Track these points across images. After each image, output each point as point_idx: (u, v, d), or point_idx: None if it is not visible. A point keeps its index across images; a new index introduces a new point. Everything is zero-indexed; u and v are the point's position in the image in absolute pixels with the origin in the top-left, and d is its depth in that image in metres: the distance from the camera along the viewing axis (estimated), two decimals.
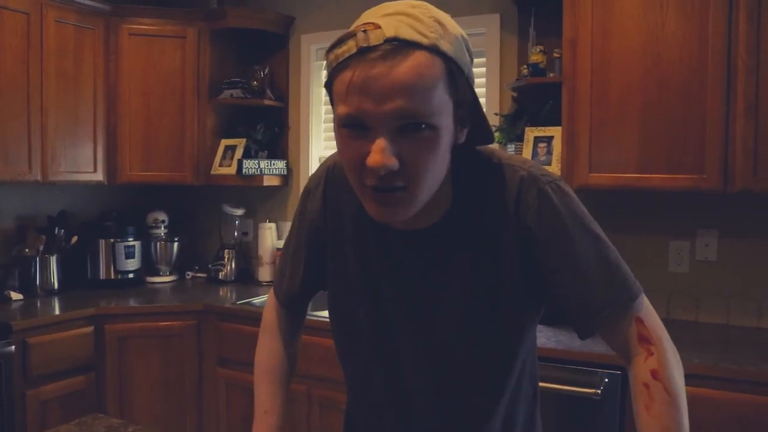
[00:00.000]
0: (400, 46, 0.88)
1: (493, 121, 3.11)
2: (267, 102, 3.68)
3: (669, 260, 2.87)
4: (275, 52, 3.82)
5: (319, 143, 3.78)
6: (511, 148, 2.95)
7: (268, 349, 1.37)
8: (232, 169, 3.62)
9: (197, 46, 3.60)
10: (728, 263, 2.77)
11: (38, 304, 3.14)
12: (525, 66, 2.94)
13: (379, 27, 0.88)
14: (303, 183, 3.74)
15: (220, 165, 3.68)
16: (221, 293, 3.51)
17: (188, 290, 3.62)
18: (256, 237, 3.81)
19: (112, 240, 3.57)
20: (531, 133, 2.87)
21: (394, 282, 1.14)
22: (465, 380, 1.16)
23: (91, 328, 3.04)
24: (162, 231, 3.82)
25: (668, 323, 2.68)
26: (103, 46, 3.45)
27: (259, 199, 3.91)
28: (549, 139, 2.81)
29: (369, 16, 0.93)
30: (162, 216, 3.84)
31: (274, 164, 3.68)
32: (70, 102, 3.30)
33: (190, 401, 3.22)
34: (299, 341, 1.42)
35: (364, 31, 0.88)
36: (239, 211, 3.83)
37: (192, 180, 3.65)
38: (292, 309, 1.38)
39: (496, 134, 3.00)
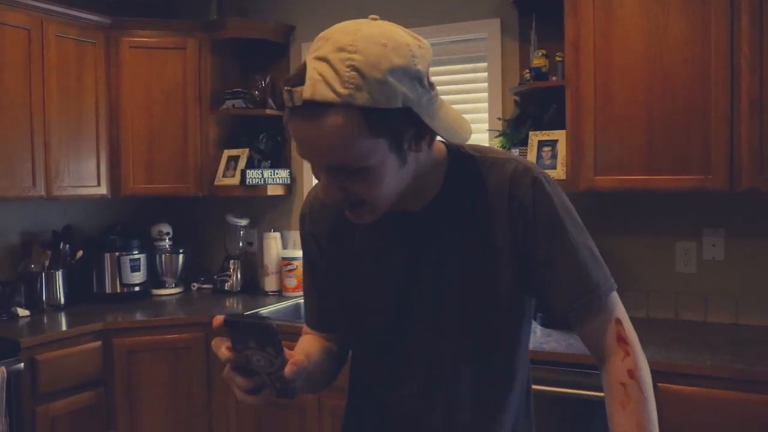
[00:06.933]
0: (315, 108, 0.95)
1: (496, 125, 3.11)
2: (269, 111, 3.68)
3: (676, 261, 2.87)
4: (276, 61, 3.82)
5: None
6: (515, 152, 2.95)
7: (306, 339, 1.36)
8: (235, 180, 3.61)
9: (198, 57, 3.60)
10: (736, 262, 2.77)
11: (45, 320, 3.14)
12: (527, 70, 2.94)
13: (301, 84, 0.96)
14: (307, 192, 3.72)
15: (224, 176, 3.68)
16: (228, 304, 3.51)
17: (195, 302, 3.62)
18: (261, 247, 3.81)
19: (117, 253, 3.56)
20: (535, 137, 2.87)
21: (392, 262, 1.19)
22: (466, 359, 1.20)
23: (99, 343, 3.03)
24: (167, 243, 3.81)
25: (676, 324, 2.72)
26: (104, 60, 3.45)
27: (263, 209, 3.91)
28: (553, 143, 2.81)
29: (313, 49, 1.00)
30: (166, 228, 3.84)
31: (277, 174, 3.67)
32: (72, 116, 3.30)
33: (200, 413, 3.20)
34: (335, 364, 1.37)
35: (289, 91, 0.96)
36: (243, 222, 3.83)
37: (195, 191, 3.65)
38: (325, 330, 1.35)
39: (500, 139, 3.00)
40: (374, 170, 1.01)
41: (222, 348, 1.02)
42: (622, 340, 1.13)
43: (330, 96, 0.94)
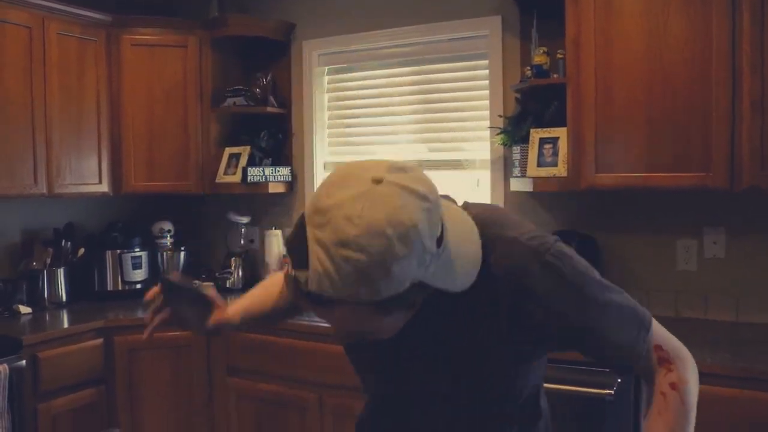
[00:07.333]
0: (324, 299, 0.93)
1: (498, 122, 3.11)
2: (270, 109, 3.68)
3: (677, 258, 2.87)
4: (277, 58, 3.82)
5: (323, 149, 3.78)
6: (516, 150, 2.95)
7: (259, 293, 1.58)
8: (236, 177, 3.62)
9: (199, 55, 3.60)
10: (736, 260, 2.77)
11: (47, 318, 3.15)
12: (528, 67, 2.94)
13: (305, 267, 0.93)
14: (308, 189, 3.73)
15: (225, 173, 3.68)
16: (229, 302, 3.50)
17: None
18: (262, 244, 3.81)
19: (118, 251, 3.57)
20: (536, 134, 2.87)
21: (393, 346, 1.12)
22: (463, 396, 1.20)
23: (100, 341, 3.04)
24: (168, 240, 3.81)
25: (677, 322, 2.71)
26: (105, 58, 3.45)
27: (264, 207, 3.91)
28: (554, 140, 2.81)
29: (313, 222, 0.93)
30: (168, 225, 3.84)
31: (278, 171, 3.68)
32: (73, 114, 3.30)
33: (201, 412, 3.21)
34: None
35: (295, 277, 0.95)
36: (245, 219, 3.83)
37: (197, 189, 3.65)
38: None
39: (501, 136, 3.00)
40: (385, 328, 1.02)
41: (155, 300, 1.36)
42: (663, 360, 1.14)
43: (335, 295, 0.91)
